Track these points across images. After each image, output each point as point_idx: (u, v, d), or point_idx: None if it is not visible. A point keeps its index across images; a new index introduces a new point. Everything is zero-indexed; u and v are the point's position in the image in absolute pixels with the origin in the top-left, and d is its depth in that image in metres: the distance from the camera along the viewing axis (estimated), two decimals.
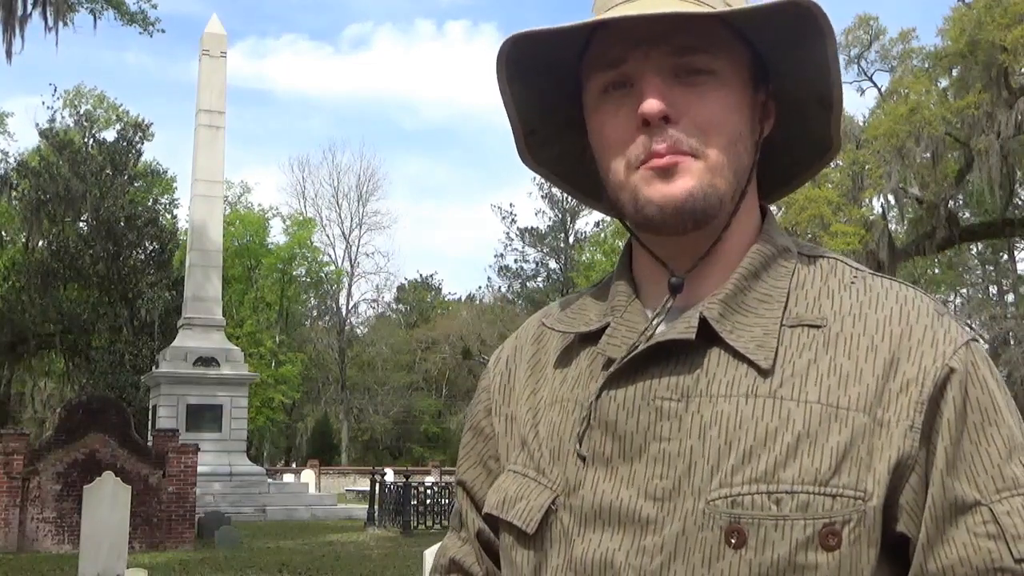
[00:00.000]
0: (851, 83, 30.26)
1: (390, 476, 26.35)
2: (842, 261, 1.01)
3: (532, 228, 56.28)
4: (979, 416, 0.89)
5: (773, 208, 1.08)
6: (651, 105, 0.91)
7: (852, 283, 0.97)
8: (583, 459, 0.95)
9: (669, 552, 0.88)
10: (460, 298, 63.20)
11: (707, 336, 0.93)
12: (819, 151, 1.06)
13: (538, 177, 1.18)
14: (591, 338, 1.01)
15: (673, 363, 0.94)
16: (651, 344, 0.94)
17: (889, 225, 24.93)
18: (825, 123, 1.02)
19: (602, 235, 51.99)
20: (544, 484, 0.98)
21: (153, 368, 24.77)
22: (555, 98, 1.05)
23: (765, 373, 0.91)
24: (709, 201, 0.93)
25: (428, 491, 19.93)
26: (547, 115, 1.07)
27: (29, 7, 20.91)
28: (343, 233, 56.72)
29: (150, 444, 16.85)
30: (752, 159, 0.99)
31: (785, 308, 0.95)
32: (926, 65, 25.66)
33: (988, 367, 0.92)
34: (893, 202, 24.82)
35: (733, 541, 0.86)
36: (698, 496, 0.88)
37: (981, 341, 0.94)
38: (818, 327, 0.94)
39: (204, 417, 22.86)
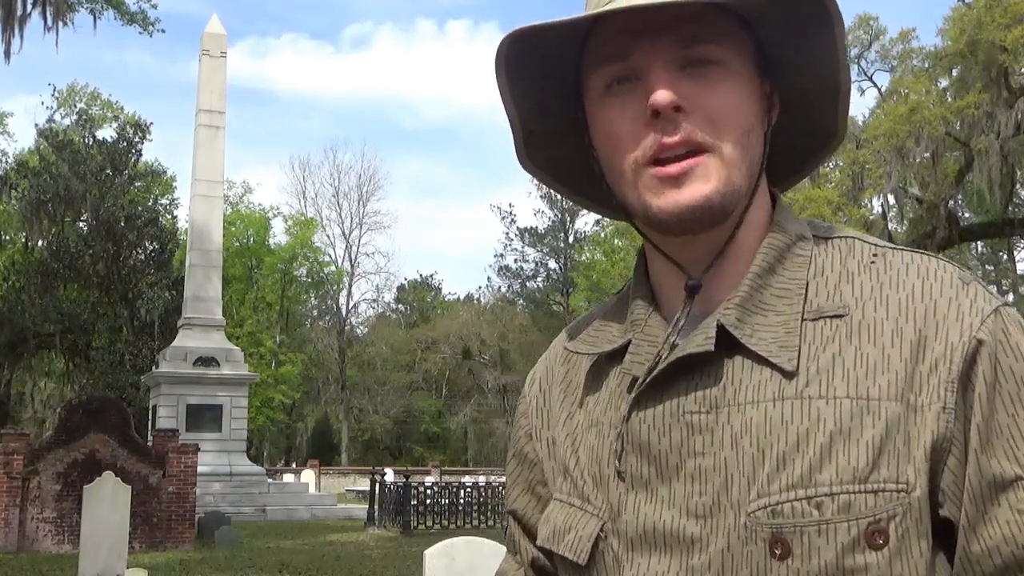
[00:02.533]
0: (851, 83, 30.28)
1: (390, 476, 26.34)
2: (860, 239, 0.97)
3: (531, 228, 56.33)
4: (1014, 386, 0.85)
5: None
6: (662, 96, 0.88)
7: (872, 263, 0.93)
8: (623, 480, 0.93)
9: (716, 570, 0.86)
10: (460, 298, 63.23)
11: (728, 343, 0.90)
12: (823, 140, 1.04)
13: None
14: (617, 355, 0.99)
15: (697, 376, 0.91)
16: (672, 360, 0.91)
17: (889, 225, 24.94)
18: (832, 112, 1.00)
19: (602, 235, 51.97)
20: (590, 512, 0.96)
21: (153, 368, 24.76)
22: (555, 98, 1.02)
23: (790, 374, 0.88)
24: (727, 199, 0.90)
25: (428, 491, 19.92)
26: (547, 116, 1.04)
27: (28, 7, 20.91)
28: (343, 233, 56.79)
29: (150, 444, 16.83)
30: (763, 150, 0.96)
31: (805, 300, 0.92)
32: (926, 65, 25.66)
33: (1022, 332, 0.88)
34: (893, 202, 24.83)
35: (778, 552, 0.83)
36: (738, 509, 0.86)
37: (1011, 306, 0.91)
38: (840, 317, 0.90)
39: (204, 417, 22.85)
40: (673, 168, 0.90)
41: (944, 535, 0.86)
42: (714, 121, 0.90)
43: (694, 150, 0.90)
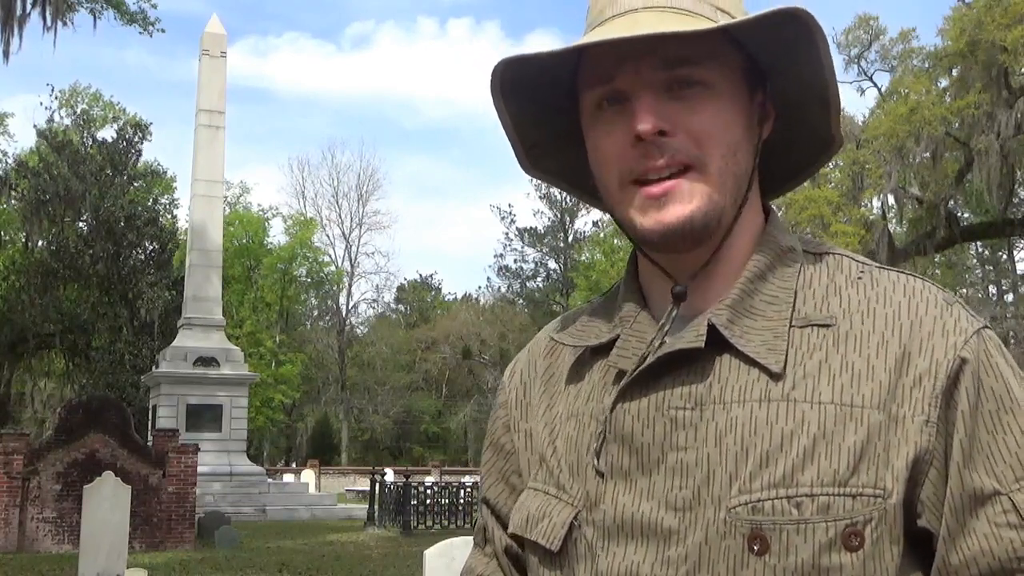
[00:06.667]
0: (851, 83, 30.25)
1: (390, 476, 26.34)
2: (848, 256, 1.00)
3: (531, 228, 56.31)
4: (994, 405, 0.88)
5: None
6: (645, 124, 0.91)
7: (859, 278, 0.97)
8: (601, 475, 0.95)
9: (693, 562, 0.88)
10: (460, 298, 63.20)
11: (717, 342, 0.93)
12: (821, 147, 1.06)
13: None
14: (602, 350, 1.01)
15: (685, 372, 0.93)
16: (661, 355, 0.93)
17: (889, 225, 24.92)
18: (825, 122, 1.02)
19: (601, 235, 51.96)
20: (565, 500, 0.98)
21: (153, 368, 24.75)
22: (553, 111, 1.05)
23: (777, 376, 0.91)
24: (708, 219, 0.93)
25: (428, 491, 19.92)
26: (546, 128, 1.07)
27: (28, 7, 20.89)
28: (343, 233, 56.72)
29: (150, 444, 16.84)
30: (752, 164, 0.99)
31: (793, 308, 0.95)
32: (926, 65, 25.63)
33: (1002, 354, 0.91)
34: (893, 202, 24.80)
35: (756, 548, 0.86)
36: (719, 504, 0.88)
37: (992, 329, 0.96)
38: (827, 326, 0.93)
39: (204, 417, 22.86)
40: (656, 188, 0.93)
41: (919, 545, 0.89)
42: (698, 141, 0.93)
43: (678, 171, 0.93)
